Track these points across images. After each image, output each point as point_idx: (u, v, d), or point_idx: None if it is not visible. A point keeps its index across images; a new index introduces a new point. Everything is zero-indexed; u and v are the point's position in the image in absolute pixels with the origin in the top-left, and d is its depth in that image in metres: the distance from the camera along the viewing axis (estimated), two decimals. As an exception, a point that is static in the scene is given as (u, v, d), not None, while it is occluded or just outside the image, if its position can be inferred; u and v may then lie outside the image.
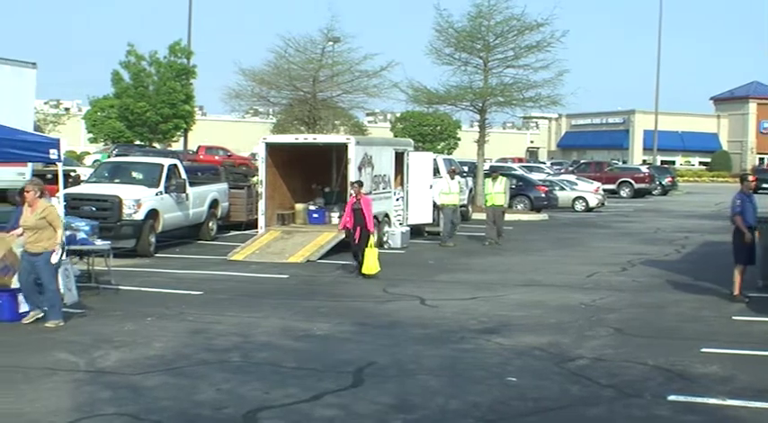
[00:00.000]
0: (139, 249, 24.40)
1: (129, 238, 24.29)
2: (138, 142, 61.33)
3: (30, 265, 15.17)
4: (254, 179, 32.78)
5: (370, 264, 21.11)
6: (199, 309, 16.97)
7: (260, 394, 10.99)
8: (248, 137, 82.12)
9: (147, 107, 59.41)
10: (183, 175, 26.81)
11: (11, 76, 28.39)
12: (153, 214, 24.91)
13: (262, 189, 27.21)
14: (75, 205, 23.10)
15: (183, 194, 26.47)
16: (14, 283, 15.36)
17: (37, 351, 13.11)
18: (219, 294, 18.71)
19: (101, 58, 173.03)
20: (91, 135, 71.16)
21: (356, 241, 21.66)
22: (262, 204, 27.29)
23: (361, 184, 22.82)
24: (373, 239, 21.86)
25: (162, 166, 26.61)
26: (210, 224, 28.77)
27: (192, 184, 27.15)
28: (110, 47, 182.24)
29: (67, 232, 18.16)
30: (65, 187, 19.50)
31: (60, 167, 17.96)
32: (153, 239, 24.96)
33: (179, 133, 63.61)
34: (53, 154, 17.36)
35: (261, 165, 27.72)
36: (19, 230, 15.49)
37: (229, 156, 60.30)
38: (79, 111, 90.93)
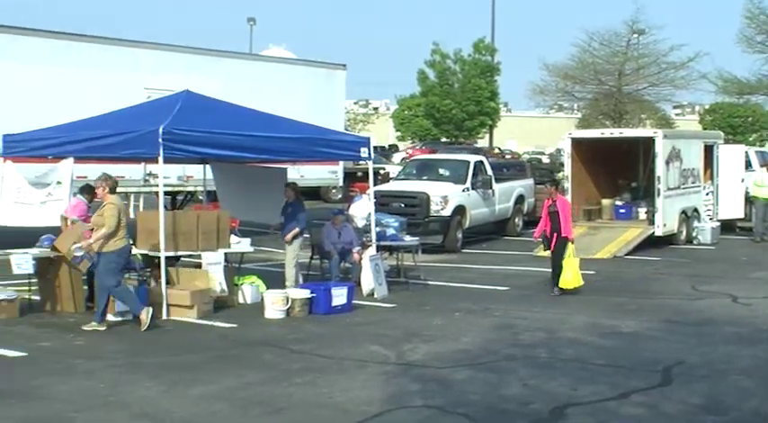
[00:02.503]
0: (447, 245, 24.75)
1: (437, 234, 24.66)
2: (444, 139, 62.25)
3: None
4: (560, 175, 32.60)
5: (569, 277, 18.15)
6: (505, 304, 17.03)
7: (567, 391, 10.91)
8: (553, 133, 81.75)
9: (453, 105, 60.24)
10: (489, 172, 27.01)
11: (323, 78, 29.51)
12: (460, 210, 25.22)
13: (567, 184, 27.04)
14: (384, 202, 23.67)
15: (490, 191, 26.69)
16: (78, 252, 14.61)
17: (350, 343, 13.52)
18: (525, 290, 18.74)
19: (407, 57, 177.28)
20: (399, 133, 72.81)
21: (552, 250, 18.58)
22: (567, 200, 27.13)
23: (556, 183, 20.27)
24: (572, 248, 18.55)
25: (468, 162, 26.92)
26: (516, 220, 28.89)
27: (497, 181, 27.32)
28: (415, 46, 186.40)
29: (377, 228, 18.69)
30: (375, 184, 20.03)
31: (371, 165, 18.49)
32: (460, 235, 25.28)
33: (484, 130, 64.09)
34: (363, 152, 17.89)
35: (566, 160, 27.55)
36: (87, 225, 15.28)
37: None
38: (387, 110, 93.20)
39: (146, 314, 14.19)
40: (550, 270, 18.55)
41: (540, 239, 19.30)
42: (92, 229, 14.66)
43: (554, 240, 18.40)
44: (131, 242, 15.12)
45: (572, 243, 18.54)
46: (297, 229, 17.72)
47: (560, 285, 18.07)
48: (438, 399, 10.50)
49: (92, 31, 25.34)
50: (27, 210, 16.84)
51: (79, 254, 15.13)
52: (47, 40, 23.20)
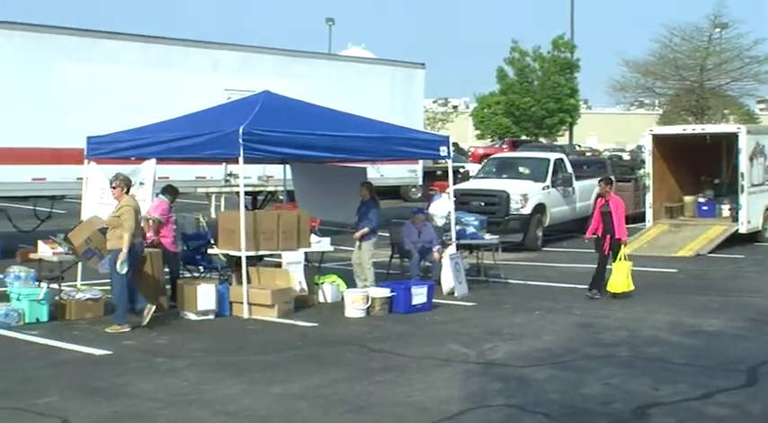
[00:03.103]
0: (527, 243, 24.67)
1: (517, 233, 24.60)
2: (524, 137, 61.99)
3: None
4: (641, 172, 32.31)
5: (617, 280, 17.19)
6: (586, 302, 16.91)
7: (648, 390, 10.80)
8: (633, 129, 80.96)
9: (533, 102, 59.95)
10: (569, 170, 26.84)
11: (402, 78, 29.56)
12: (540, 208, 25.11)
13: (648, 182, 26.77)
14: (464, 201, 23.65)
15: (570, 188, 26.53)
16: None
17: (430, 342, 13.51)
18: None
19: (486, 55, 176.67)
20: (478, 132, 72.60)
21: (605, 252, 17.54)
22: (649, 197, 26.88)
23: (609, 181, 18.54)
24: (625, 250, 17.62)
25: (548, 160, 26.79)
26: (597, 218, 28.60)
27: (578, 178, 27.14)
28: (494, 44, 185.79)
29: (457, 227, 18.68)
30: (454, 183, 20.02)
31: (450, 164, 18.48)
32: (540, 233, 25.18)
33: (564, 127, 63.69)
34: (443, 151, 17.90)
35: (647, 157, 27.31)
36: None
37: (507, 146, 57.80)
38: (466, 108, 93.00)
39: (118, 328, 13.99)
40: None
41: (591, 240, 18.21)
42: (106, 227, 14.74)
43: (606, 242, 17.49)
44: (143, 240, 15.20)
45: (624, 245, 17.70)
46: (366, 229, 17.72)
47: (609, 289, 17.22)
48: (518, 398, 10.46)
49: (173, 34, 25.68)
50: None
51: (104, 271, 15.13)
52: (128, 42, 23.53)
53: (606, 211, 17.56)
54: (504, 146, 56.12)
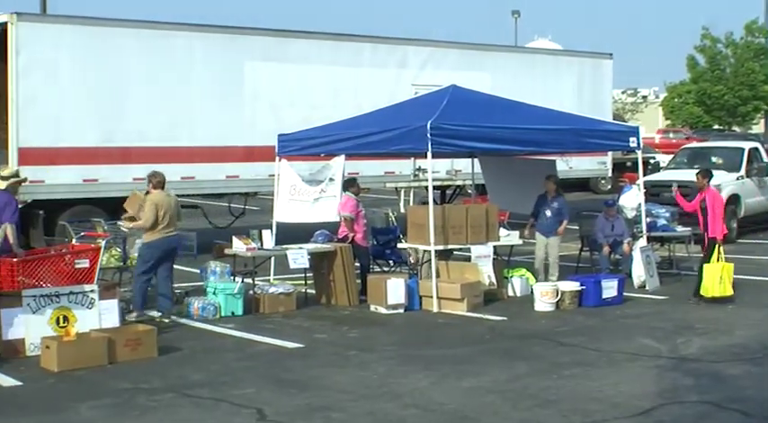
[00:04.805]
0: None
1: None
2: (716, 127, 60.37)
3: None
4: None
5: (709, 283, 15.68)
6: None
7: None
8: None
9: (725, 90, 58.32)
10: (766, 159, 26.03)
11: (589, 68, 29.17)
12: (734, 199, 24.42)
13: None
14: (654, 192, 23.18)
15: (766, 178, 25.72)
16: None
17: (621, 336, 13.36)
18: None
19: (675, 43, 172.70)
20: (669, 122, 71.09)
21: (704, 251, 16.21)
22: None
23: (707, 173, 16.95)
24: (720, 251, 15.95)
25: (742, 149, 26.04)
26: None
27: (775, 168, 26.27)
28: (684, 32, 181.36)
29: (648, 219, 18.36)
30: (644, 174, 19.69)
31: (640, 155, 18.18)
32: (734, 225, 24.44)
33: (759, 115, 61.77)
34: (632, 142, 17.62)
35: None
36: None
37: (687, 138, 54.79)
38: (656, 98, 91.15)
39: (134, 317, 14.28)
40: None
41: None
42: (131, 219, 15.09)
43: (705, 241, 16.17)
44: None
45: (720, 245, 16.00)
46: (566, 222, 17.64)
47: (701, 292, 15.82)
48: (712, 394, 10.24)
49: (359, 32, 25.97)
50: (301, 207, 17.44)
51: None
52: (319, 41, 23.90)
53: (704, 206, 16.25)
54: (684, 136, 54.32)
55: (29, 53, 19.61)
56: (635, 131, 17.91)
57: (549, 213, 17.60)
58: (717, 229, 16.02)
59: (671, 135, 57.35)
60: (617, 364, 11.76)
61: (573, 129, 17.15)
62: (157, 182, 14.90)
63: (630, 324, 14.36)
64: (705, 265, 15.86)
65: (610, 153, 28.05)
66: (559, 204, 17.67)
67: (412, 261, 17.68)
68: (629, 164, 32.52)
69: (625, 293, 16.12)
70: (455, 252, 17.31)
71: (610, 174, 31.56)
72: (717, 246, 15.89)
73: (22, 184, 14.87)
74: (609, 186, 36.64)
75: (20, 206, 13.94)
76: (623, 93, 76.34)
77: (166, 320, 14.50)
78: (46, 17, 23.20)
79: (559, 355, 12.25)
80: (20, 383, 10.96)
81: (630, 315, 15.06)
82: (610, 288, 15.86)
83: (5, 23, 19.47)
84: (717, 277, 15.66)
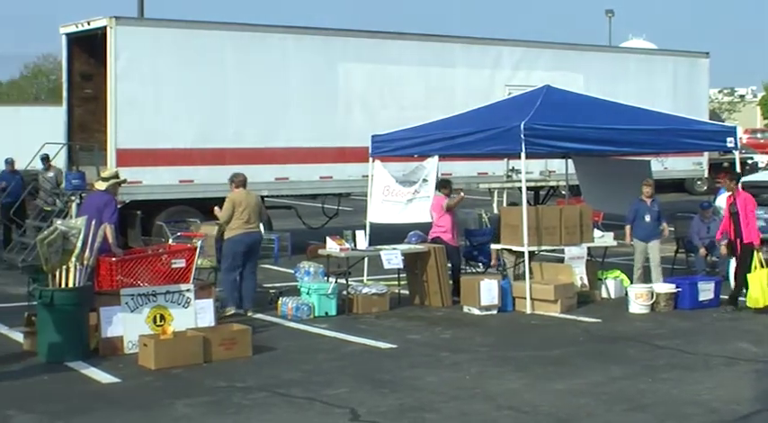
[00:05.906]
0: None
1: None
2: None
3: None
4: None
5: (755, 293, 14.87)
6: None
7: None
8: None
9: (826, 89, 57.19)
10: None
11: (685, 68, 28.81)
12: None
13: None
14: (753, 193, 22.76)
15: None
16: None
17: (717, 340, 13.16)
18: None
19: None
20: (767, 121, 69.91)
21: (737, 259, 15.57)
22: None
23: (734, 176, 16.04)
24: (759, 257, 15.05)
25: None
26: None
27: None
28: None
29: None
30: (742, 175, 19.37)
31: (737, 155, 17.88)
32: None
33: None
34: (729, 142, 17.35)
35: None
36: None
37: None
38: (754, 97, 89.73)
39: (229, 312, 14.81)
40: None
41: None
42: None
43: (738, 247, 15.41)
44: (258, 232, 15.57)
45: (758, 251, 15.18)
46: (666, 225, 17.35)
47: (748, 304, 15.01)
48: (814, 399, 10.05)
49: (453, 32, 25.96)
50: (394, 207, 17.50)
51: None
52: (412, 41, 23.95)
53: (735, 211, 15.39)
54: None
55: (127, 56, 19.98)
56: (732, 131, 17.61)
57: (648, 217, 17.11)
58: (752, 234, 15.24)
59: (758, 135, 56.31)
60: (713, 367, 11.59)
61: (668, 129, 16.92)
62: (239, 181, 15.39)
63: (727, 327, 14.15)
64: (749, 276, 15.01)
65: (706, 153, 27.68)
66: (658, 207, 17.41)
67: (493, 263, 17.64)
68: (725, 164, 32.04)
69: (722, 296, 15.85)
70: (543, 253, 17.20)
71: (706, 174, 31.13)
72: (755, 251, 15.18)
73: (122, 185, 15.19)
74: (705, 187, 36.13)
75: (118, 206, 14.24)
76: (720, 92, 75.28)
77: (250, 314, 14.96)
78: (144, 21, 23.57)
79: (654, 358, 12.12)
80: (118, 380, 11.17)
81: (727, 318, 14.83)
82: (706, 290, 15.64)
83: (105, 28, 19.86)
84: (764, 285, 14.89)
